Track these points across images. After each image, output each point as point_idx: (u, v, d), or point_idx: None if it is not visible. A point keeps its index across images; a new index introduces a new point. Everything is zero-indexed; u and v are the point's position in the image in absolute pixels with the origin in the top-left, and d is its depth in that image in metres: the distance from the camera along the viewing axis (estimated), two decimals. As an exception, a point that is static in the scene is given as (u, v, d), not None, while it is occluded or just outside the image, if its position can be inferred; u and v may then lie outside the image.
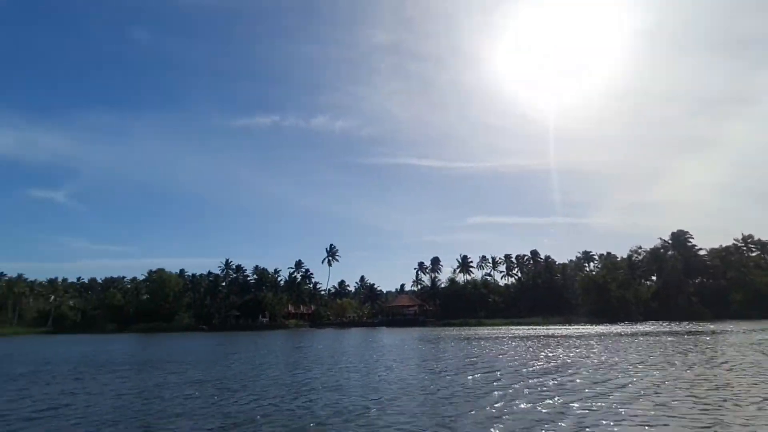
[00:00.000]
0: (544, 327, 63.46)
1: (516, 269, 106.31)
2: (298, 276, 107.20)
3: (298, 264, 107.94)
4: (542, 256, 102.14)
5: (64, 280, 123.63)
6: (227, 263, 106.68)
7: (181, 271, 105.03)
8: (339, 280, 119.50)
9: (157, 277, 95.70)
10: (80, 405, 10.43)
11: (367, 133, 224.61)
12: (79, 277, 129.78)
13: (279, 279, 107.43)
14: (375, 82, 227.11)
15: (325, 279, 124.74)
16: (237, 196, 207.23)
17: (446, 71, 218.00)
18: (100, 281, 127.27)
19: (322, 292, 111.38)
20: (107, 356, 26.68)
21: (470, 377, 13.51)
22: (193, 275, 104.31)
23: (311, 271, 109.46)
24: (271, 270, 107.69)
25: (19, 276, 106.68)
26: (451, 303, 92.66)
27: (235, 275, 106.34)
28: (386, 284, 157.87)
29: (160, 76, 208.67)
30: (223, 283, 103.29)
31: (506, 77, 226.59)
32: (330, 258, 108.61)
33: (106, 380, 15.00)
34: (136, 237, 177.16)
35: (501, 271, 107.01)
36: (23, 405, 10.72)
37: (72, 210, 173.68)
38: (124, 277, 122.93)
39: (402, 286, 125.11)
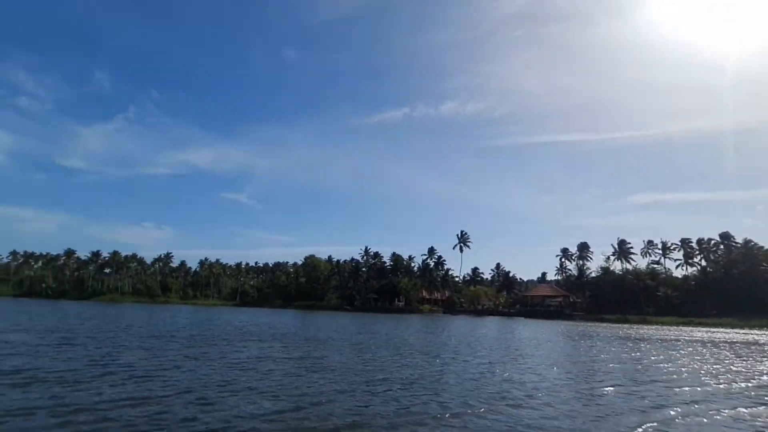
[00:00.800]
0: (742, 330, 49.11)
1: (698, 256, 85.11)
2: (431, 262, 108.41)
3: (431, 251, 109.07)
4: (738, 240, 79.34)
5: (247, 264, 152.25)
6: (366, 250, 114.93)
7: (329, 257, 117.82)
8: (472, 267, 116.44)
9: (310, 263, 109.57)
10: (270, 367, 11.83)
11: (500, 113, 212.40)
12: (257, 262, 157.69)
13: (413, 265, 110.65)
14: (505, 57, 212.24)
15: (458, 266, 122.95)
16: (375, 188, 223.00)
17: (589, 29, 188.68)
18: (270, 265, 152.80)
19: (456, 279, 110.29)
20: (284, 329, 30.26)
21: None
22: (338, 261, 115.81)
23: (444, 257, 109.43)
24: (405, 257, 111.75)
25: (217, 261, 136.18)
26: (603, 295, 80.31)
27: (373, 261, 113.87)
28: (524, 273, 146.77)
29: (306, 89, 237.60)
30: (363, 269, 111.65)
31: (668, 24, 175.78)
32: (461, 244, 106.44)
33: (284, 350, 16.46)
34: (298, 228, 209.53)
35: (675, 259, 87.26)
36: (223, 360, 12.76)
37: (252, 208, 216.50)
38: (287, 262, 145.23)
39: (543, 275, 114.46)
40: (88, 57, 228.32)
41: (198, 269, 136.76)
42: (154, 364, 11.47)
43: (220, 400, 7.54)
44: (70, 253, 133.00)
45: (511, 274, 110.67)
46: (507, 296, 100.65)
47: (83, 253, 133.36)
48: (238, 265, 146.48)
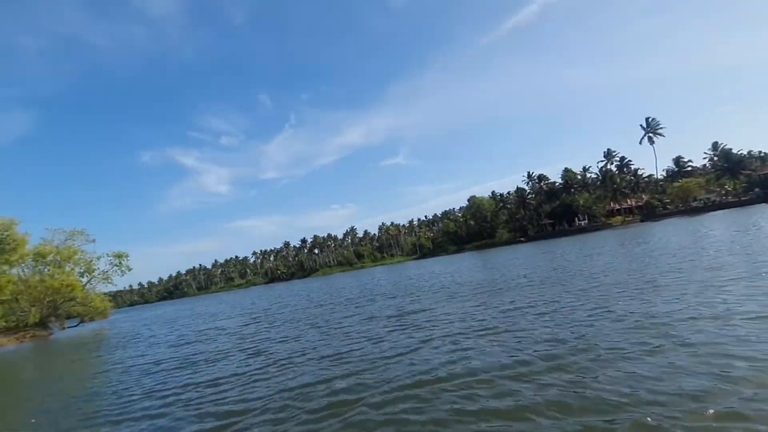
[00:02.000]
0: None
1: None
2: (612, 167, 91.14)
3: (609, 153, 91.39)
4: None
5: (419, 219, 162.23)
6: (529, 175, 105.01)
7: (492, 193, 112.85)
8: (673, 158, 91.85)
9: (473, 203, 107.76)
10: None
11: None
12: (426, 215, 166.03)
13: (588, 177, 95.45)
14: None
15: (648, 162, 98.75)
16: (521, 104, 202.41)
17: None
18: (439, 215, 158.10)
19: (650, 178, 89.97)
20: (469, 275, 31.47)
21: None
22: (501, 195, 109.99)
23: (627, 158, 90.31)
24: (577, 170, 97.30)
25: (392, 223, 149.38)
26: None
27: (539, 184, 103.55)
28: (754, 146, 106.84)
29: (423, 26, 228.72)
30: (531, 195, 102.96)
31: None
32: (650, 134, 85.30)
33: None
34: (457, 172, 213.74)
35: None
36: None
37: (411, 167, 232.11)
38: (453, 208, 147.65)
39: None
40: (250, 87, 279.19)
41: (378, 234, 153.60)
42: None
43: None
44: (287, 244, 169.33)
45: (738, 152, 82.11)
46: (736, 181, 75.91)
47: (295, 242, 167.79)
48: (410, 222, 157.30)
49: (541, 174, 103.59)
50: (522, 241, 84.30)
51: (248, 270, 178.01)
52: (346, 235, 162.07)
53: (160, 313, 54.96)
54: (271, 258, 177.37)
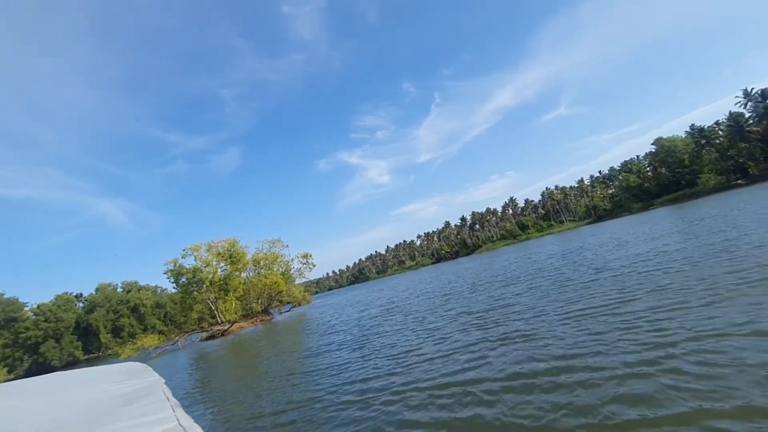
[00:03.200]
0: None
1: None
2: None
3: None
4: None
5: (591, 176, 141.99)
6: (748, 93, 78.22)
7: (691, 126, 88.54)
8: None
9: (662, 147, 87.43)
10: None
11: None
12: (600, 171, 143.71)
13: None
14: None
15: None
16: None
17: None
18: (617, 167, 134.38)
19: None
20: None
21: None
22: (701, 128, 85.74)
23: None
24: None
25: (555, 186, 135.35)
26: None
27: (764, 104, 76.14)
28: None
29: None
30: (750, 121, 76.89)
31: None
32: None
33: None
34: (636, 114, 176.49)
35: None
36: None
37: (577, 116, 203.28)
38: (635, 157, 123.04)
39: None
40: (393, 79, 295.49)
41: (541, 201, 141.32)
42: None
43: None
44: (447, 223, 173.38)
45: None
46: None
47: (455, 221, 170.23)
48: (580, 182, 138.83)
49: (765, 89, 75.81)
50: (741, 184, 64.21)
51: (416, 252, 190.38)
52: (505, 206, 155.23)
53: (343, 298, 64.62)
54: (435, 239, 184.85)
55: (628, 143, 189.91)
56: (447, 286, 26.58)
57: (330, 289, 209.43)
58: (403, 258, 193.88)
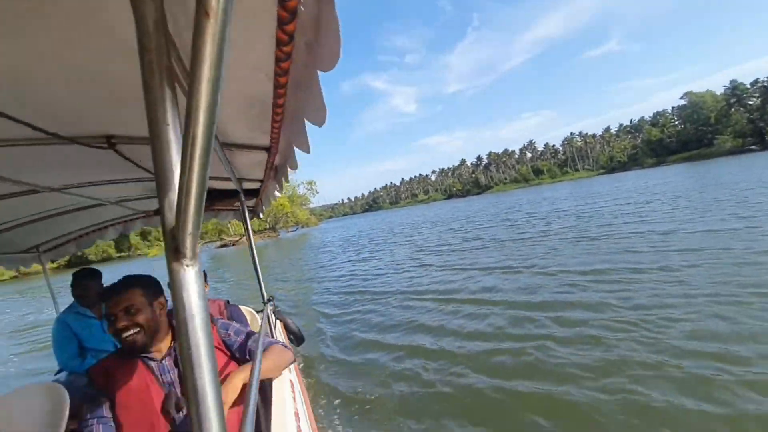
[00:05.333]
0: None
1: None
2: None
3: None
4: None
5: (620, 125, 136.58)
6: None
7: (732, 81, 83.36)
8: None
9: (692, 101, 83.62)
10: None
11: None
12: (632, 119, 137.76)
13: None
14: None
15: None
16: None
17: None
18: (648, 118, 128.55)
19: None
20: None
21: None
22: (736, 85, 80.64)
23: None
24: None
25: (579, 133, 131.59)
26: None
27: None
28: None
29: None
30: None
31: None
32: None
33: None
34: (699, 55, 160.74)
35: None
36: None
37: (627, 53, 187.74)
38: (667, 110, 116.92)
39: None
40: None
41: (562, 147, 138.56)
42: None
43: None
44: (463, 161, 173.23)
45: None
46: None
47: (471, 160, 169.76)
48: (606, 129, 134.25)
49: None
50: (753, 150, 62.94)
51: (430, 187, 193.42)
52: (524, 149, 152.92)
53: (348, 223, 70.01)
54: (450, 175, 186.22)
55: (675, 90, 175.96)
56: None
57: (344, 215, 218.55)
58: (417, 191, 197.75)
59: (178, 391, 1.28)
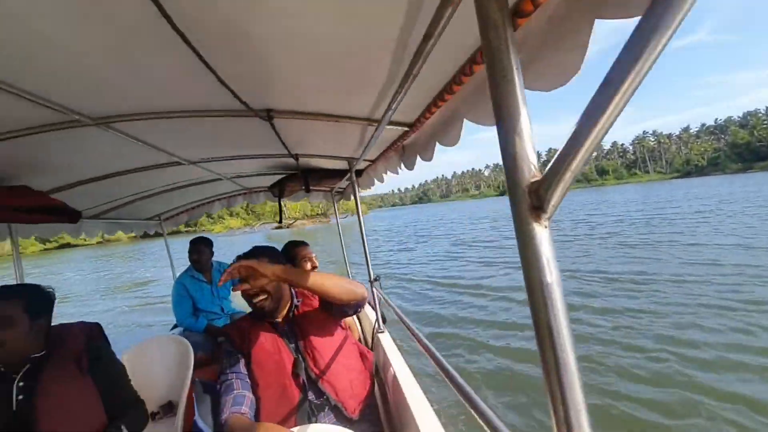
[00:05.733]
0: None
1: None
2: None
3: None
4: None
5: (703, 125, 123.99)
6: None
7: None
8: None
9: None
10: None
11: None
12: (716, 119, 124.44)
13: None
14: None
15: None
16: None
17: None
18: (737, 118, 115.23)
19: None
20: None
21: None
22: None
23: None
24: None
25: (653, 132, 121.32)
26: None
27: None
28: None
29: None
30: None
31: None
32: None
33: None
34: None
35: None
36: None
37: (718, 45, 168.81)
38: (759, 110, 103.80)
39: None
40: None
41: (631, 146, 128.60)
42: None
43: None
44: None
45: None
46: None
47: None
48: (685, 129, 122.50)
49: None
50: None
51: (482, 183, 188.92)
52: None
53: (398, 214, 71.00)
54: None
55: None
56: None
57: (393, 206, 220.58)
58: (468, 186, 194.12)
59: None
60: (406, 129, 1.50)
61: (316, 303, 1.47)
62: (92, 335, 1.40)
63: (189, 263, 3.07)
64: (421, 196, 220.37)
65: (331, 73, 1.03)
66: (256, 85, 1.10)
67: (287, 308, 1.45)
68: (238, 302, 3.24)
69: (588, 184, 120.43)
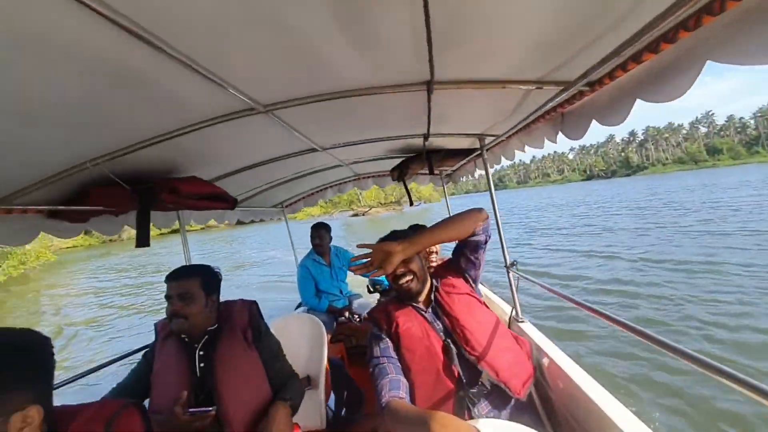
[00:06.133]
0: None
1: None
2: None
3: None
4: None
5: None
6: None
7: None
8: None
9: None
10: None
11: None
12: None
13: None
14: None
15: None
16: None
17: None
18: None
19: None
20: None
21: None
22: None
23: None
24: None
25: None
26: None
27: None
28: None
29: None
30: None
31: None
32: None
33: None
34: None
35: None
36: None
37: None
38: None
39: None
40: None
41: (751, 120, 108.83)
42: None
43: None
44: (611, 137, 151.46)
45: None
46: None
47: (622, 135, 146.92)
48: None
49: None
50: None
51: (566, 166, 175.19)
52: (695, 123, 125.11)
53: (472, 201, 69.60)
54: (591, 153, 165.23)
55: None
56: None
57: (466, 192, 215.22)
58: (549, 171, 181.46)
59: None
60: (583, 89, 1.25)
61: (456, 282, 1.43)
62: (252, 311, 1.49)
63: (302, 247, 3.26)
64: (496, 182, 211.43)
65: (508, 32, 0.95)
66: (419, 55, 1.06)
67: (428, 291, 1.42)
68: (354, 286, 3.38)
69: (695, 166, 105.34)
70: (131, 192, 1.54)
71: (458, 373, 1.24)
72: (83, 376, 1.63)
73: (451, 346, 1.28)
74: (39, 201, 1.47)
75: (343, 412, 2.34)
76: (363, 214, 49.00)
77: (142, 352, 1.48)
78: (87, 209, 1.63)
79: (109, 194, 1.55)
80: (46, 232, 1.60)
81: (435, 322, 1.34)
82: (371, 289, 3.05)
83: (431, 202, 60.65)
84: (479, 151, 2.14)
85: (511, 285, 1.94)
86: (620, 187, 48.53)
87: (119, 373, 1.49)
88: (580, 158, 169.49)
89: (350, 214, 50.72)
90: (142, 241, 1.65)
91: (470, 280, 1.45)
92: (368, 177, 3.60)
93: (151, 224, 1.78)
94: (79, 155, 1.29)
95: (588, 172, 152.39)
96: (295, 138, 1.78)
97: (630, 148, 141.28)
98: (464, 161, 2.70)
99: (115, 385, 1.37)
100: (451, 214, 1.37)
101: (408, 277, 1.34)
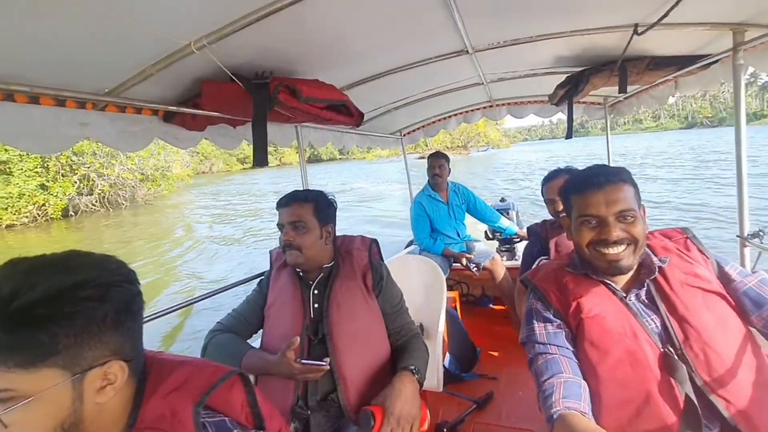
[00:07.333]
0: None
1: None
2: None
3: None
4: None
5: None
6: None
7: None
8: None
9: None
10: None
11: None
12: None
13: None
14: None
15: None
16: None
17: None
18: None
19: None
20: None
21: None
22: None
23: None
24: None
25: None
26: None
27: None
28: None
29: None
30: None
31: None
32: None
33: None
34: None
35: None
36: None
37: None
38: None
39: None
40: None
41: None
42: None
43: None
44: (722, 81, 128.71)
45: None
46: None
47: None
48: None
49: None
50: None
51: (664, 112, 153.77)
52: None
53: (544, 148, 66.24)
54: (697, 97, 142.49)
55: None
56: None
57: (541, 139, 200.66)
58: (642, 117, 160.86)
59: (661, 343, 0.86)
60: None
61: (700, 272, 0.91)
62: (372, 251, 1.35)
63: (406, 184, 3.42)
64: (578, 128, 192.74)
65: None
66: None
67: (636, 269, 0.93)
68: (473, 232, 3.11)
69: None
70: (245, 87, 1.33)
71: (684, 403, 0.79)
72: (199, 300, 1.60)
73: (677, 360, 0.82)
74: (151, 97, 1.35)
75: (456, 371, 2.14)
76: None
77: (257, 279, 1.40)
78: (202, 114, 1.46)
79: (222, 93, 1.39)
80: (162, 138, 1.48)
81: (647, 317, 0.90)
82: (490, 236, 2.87)
83: (499, 147, 58.98)
84: (727, 53, 1.48)
85: (745, 267, 1.41)
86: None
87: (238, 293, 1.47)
88: (681, 103, 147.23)
89: (416, 157, 51.97)
90: (260, 157, 1.35)
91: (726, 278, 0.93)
92: (503, 104, 3.06)
93: (269, 145, 1.54)
94: (179, 35, 1.08)
95: (690, 119, 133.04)
96: (447, 30, 1.45)
97: (749, 92, 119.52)
98: (690, 68, 1.78)
99: (231, 311, 1.30)
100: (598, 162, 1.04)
101: (621, 247, 0.88)
